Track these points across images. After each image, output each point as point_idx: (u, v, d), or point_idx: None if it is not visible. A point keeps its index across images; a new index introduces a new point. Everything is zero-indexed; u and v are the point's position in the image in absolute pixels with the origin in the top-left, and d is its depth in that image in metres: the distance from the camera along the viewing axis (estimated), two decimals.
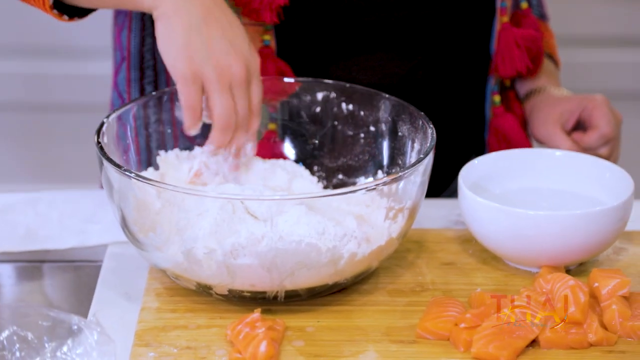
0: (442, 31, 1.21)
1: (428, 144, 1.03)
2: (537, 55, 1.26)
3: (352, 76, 1.19)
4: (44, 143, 2.20)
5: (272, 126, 1.15)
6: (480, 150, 1.29)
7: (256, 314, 0.96)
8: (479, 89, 1.27)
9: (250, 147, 1.07)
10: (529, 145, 1.27)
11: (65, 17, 1.08)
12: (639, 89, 2.13)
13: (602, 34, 2.11)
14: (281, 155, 1.16)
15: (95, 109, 1.94)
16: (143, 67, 1.24)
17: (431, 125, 1.05)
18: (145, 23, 1.23)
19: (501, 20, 1.22)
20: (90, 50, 2.07)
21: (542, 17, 1.35)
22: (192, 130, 1.03)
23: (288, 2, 1.13)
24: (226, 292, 0.99)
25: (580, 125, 1.25)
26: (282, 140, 1.16)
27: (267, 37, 1.15)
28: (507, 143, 1.26)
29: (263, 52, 1.15)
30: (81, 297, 1.13)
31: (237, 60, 1.00)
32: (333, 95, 1.14)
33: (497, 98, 1.26)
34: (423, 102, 1.21)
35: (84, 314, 1.02)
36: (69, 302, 1.15)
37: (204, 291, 1.00)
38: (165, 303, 1.01)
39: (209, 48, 0.99)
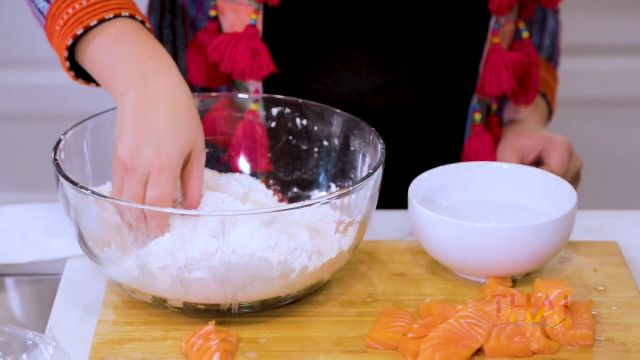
0: (433, 46, 1.24)
1: (378, 159, 1.06)
2: (526, 80, 1.27)
3: (335, 76, 1.23)
4: (6, 152, 2.22)
5: (254, 106, 1.17)
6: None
7: (210, 326, 0.99)
8: (462, 107, 1.29)
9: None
10: None
11: (81, 80, 1.12)
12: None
13: (601, 42, 2.14)
14: (236, 170, 1.19)
15: (57, 118, 1.96)
16: (163, 43, 1.28)
17: (381, 141, 1.08)
18: (164, 0, 1.28)
19: (492, 40, 1.24)
20: (49, 60, 2.08)
21: (551, 60, 1.37)
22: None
23: None
24: (181, 305, 1.02)
25: (538, 163, 1.29)
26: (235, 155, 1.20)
27: (254, 16, 1.19)
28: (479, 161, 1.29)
29: (247, 31, 1.19)
30: (42, 310, 1.15)
31: (128, 155, 1.02)
32: (287, 111, 1.17)
33: (478, 116, 1.28)
34: (402, 115, 1.25)
35: (45, 327, 1.04)
36: (30, 316, 1.17)
37: (159, 304, 1.03)
38: (121, 316, 1.03)
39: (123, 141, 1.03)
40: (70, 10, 1.07)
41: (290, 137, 1.17)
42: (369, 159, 1.10)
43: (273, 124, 1.18)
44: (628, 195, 2.12)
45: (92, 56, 1.07)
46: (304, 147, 1.17)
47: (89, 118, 1.12)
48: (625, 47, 2.14)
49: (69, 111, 2.07)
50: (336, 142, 1.15)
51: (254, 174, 1.18)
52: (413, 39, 1.23)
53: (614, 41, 2.13)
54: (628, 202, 1.98)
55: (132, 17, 1.08)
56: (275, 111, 1.18)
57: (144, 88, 1.03)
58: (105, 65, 1.06)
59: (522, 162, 1.27)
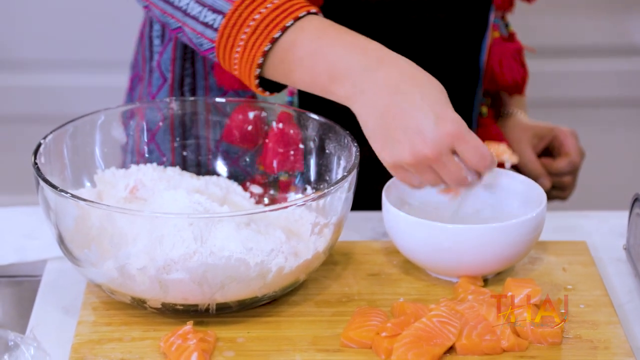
0: (438, 42, 1.26)
1: (352, 161, 1.08)
2: (525, 69, 1.33)
3: None
4: None
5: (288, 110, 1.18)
6: None
7: (188, 326, 1.01)
8: (466, 102, 1.32)
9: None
10: None
11: (267, 92, 1.11)
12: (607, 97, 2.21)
13: (584, 44, 2.18)
14: (271, 170, 1.19)
15: (35, 121, 1.98)
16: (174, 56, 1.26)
17: (355, 144, 1.10)
18: None
19: (493, 35, 1.28)
20: (29, 62, 2.10)
21: None
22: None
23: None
24: (160, 306, 1.04)
25: (547, 152, 1.33)
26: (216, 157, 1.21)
27: None
28: None
29: None
30: (22, 311, 1.17)
31: (426, 144, 1.03)
32: (264, 114, 1.19)
33: (484, 109, 1.32)
34: None
35: (26, 328, 1.06)
36: (10, 316, 1.18)
37: (138, 305, 1.05)
38: (101, 317, 1.05)
39: (396, 140, 1.04)
40: (257, 16, 1.05)
41: (267, 140, 1.19)
42: (344, 161, 1.13)
43: (249, 127, 1.20)
44: (595, 195, 2.15)
45: (293, 58, 1.05)
46: (280, 150, 1.19)
47: (68, 122, 1.14)
48: (605, 47, 2.17)
49: (48, 113, 2.08)
50: (311, 145, 1.17)
51: (231, 177, 1.20)
52: (419, 36, 1.24)
53: (582, 43, 2.16)
54: (596, 202, 2.02)
55: (315, 14, 1.07)
56: (251, 115, 1.20)
57: (392, 73, 1.03)
58: (317, 65, 1.05)
59: (535, 152, 1.33)
